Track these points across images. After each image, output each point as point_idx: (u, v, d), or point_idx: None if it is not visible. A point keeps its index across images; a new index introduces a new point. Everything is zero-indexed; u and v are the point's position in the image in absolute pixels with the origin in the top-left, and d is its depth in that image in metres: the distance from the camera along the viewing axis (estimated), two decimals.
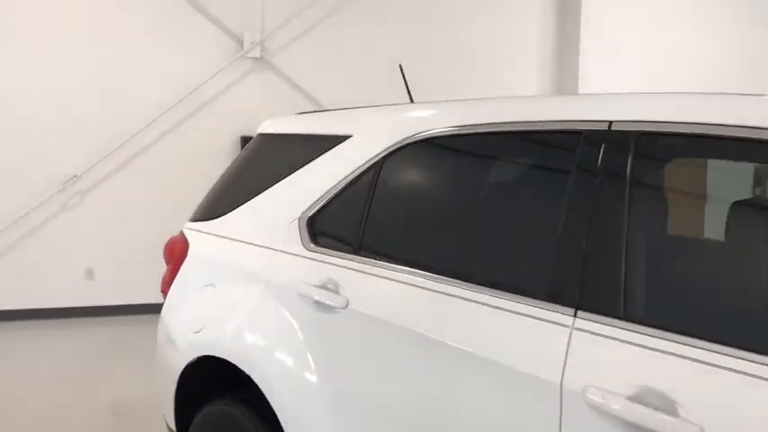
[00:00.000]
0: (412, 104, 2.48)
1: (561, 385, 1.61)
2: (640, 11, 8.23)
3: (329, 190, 2.42)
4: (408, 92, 3.12)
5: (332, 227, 2.39)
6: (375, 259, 2.19)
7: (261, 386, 2.39)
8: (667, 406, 1.44)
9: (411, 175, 2.28)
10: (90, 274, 6.81)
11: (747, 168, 1.80)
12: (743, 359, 1.39)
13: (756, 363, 1.37)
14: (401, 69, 3.16)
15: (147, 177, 6.87)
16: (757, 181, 1.83)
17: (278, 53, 7.30)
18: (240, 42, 7.13)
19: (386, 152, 2.31)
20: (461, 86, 7.80)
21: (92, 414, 4.33)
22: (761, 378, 1.36)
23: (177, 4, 6.88)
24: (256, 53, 7.16)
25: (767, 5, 8.66)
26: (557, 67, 8.30)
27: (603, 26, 8.06)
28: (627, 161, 1.69)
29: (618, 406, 1.50)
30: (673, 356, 1.47)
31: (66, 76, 6.56)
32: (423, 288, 2.01)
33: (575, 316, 1.66)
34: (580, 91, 8.01)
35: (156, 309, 3.15)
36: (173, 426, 2.93)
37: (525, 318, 1.74)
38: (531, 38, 8.24)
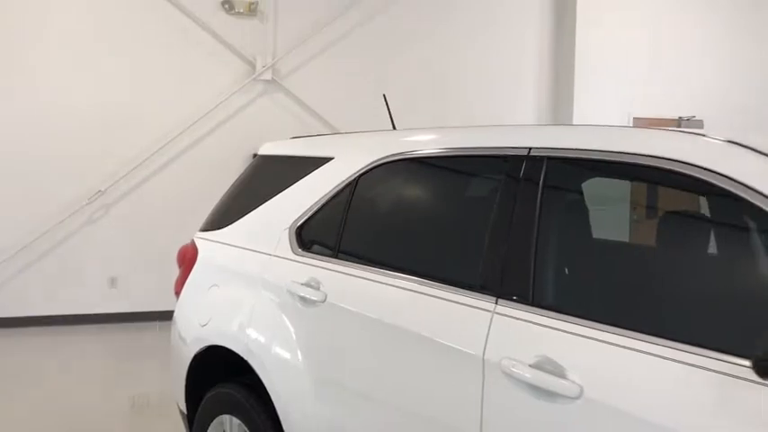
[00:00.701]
0: (382, 132, 2.91)
1: (484, 357, 2.02)
2: (635, 26, 8.58)
3: (314, 203, 2.86)
4: (391, 119, 3.55)
5: (316, 234, 2.83)
6: (349, 261, 2.63)
7: (257, 371, 2.83)
8: (558, 371, 1.85)
9: (379, 192, 2.71)
10: (113, 282, 7.30)
11: (624, 184, 2.21)
12: (616, 334, 1.80)
13: (625, 336, 1.78)
14: (385, 99, 3.59)
15: (166, 192, 7.36)
16: (633, 194, 2.23)
17: (288, 76, 7.78)
18: (253, 66, 7.62)
19: (360, 172, 2.75)
20: (466, 102, 8.22)
21: (113, 407, 4.78)
22: (629, 348, 1.76)
23: (195, 32, 7.39)
24: (268, 76, 7.65)
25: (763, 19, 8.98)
26: (554, 80, 8.69)
27: (598, 40, 8.42)
28: (540, 179, 2.12)
29: (522, 372, 1.91)
30: (564, 333, 1.89)
31: (93, 100, 7.09)
32: (385, 284, 2.44)
33: (496, 303, 2.08)
34: (575, 103, 8.37)
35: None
36: (183, 409, 3.37)
37: (460, 306, 2.17)
38: (529, 55, 8.65)
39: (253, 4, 7.59)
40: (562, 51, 8.57)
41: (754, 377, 1.43)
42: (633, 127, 2.00)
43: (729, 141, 1.82)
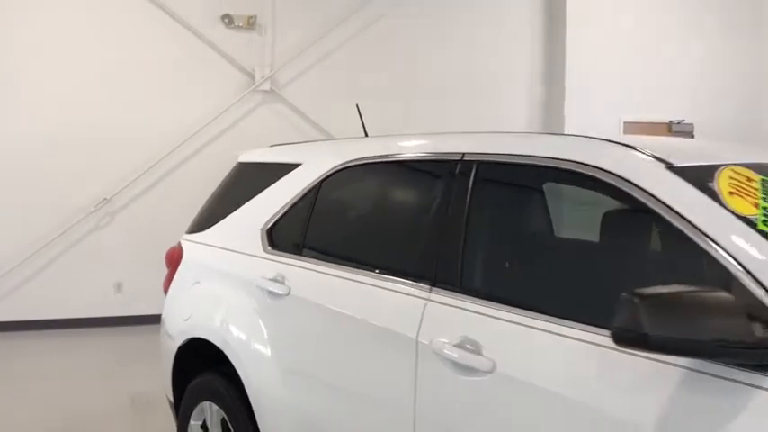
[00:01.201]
0: (344, 140, 3.18)
1: (417, 339, 2.27)
2: (626, 31, 8.78)
3: (283, 206, 3.13)
4: (363, 127, 3.80)
5: (284, 234, 3.09)
6: (312, 257, 2.89)
7: (232, 361, 3.08)
8: (476, 349, 2.09)
9: (338, 194, 2.97)
10: (119, 287, 7.59)
11: (540, 183, 2.44)
12: (523, 315, 2.04)
13: (533, 318, 2.02)
14: (358, 109, 3.85)
15: (169, 199, 7.64)
16: (547, 192, 2.47)
17: (286, 86, 8.07)
18: (252, 77, 7.92)
19: (323, 176, 3.01)
20: (461, 107, 8.45)
21: (115, 403, 5.06)
22: (533, 327, 2.00)
23: (196, 46, 7.70)
24: (267, 86, 7.95)
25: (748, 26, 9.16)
26: (545, 84, 8.91)
27: (588, 46, 8.63)
28: (470, 180, 2.36)
29: (448, 351, 2.16)
30: (483, 316, 2.13)
31: (98, 113, 7.41)
32: (341, 277, 2.69)
33: (430, 291, 2.33)
34: (566, 108, 8.58)
35: None
36: (171, 398, 3.64)
37: (401, 294, 2.41)
38: (521, 60, 8.88)
39: (251, 17, 7.89)
40: (553, 56, 8.80)
41: (615, 345, 1.65)
42: (549, 134, 2.25)
43: (624, 144, 2.06)
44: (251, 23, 7.90)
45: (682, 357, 1.62)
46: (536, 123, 8.90)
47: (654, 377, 1.70)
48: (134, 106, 7.55)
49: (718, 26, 9.10)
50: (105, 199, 7.54)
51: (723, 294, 1.58)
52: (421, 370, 2.25)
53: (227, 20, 7.84)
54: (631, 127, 8.76)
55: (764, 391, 1.54)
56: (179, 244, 3.74)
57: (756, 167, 2.05)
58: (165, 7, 7.59)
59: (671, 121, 8.91)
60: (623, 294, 1.56)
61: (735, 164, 2.04)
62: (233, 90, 7.90)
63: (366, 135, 3.78)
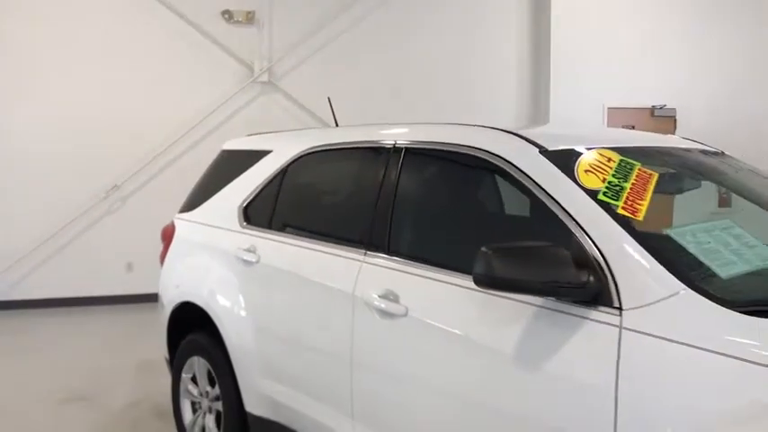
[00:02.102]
0: (309, 129, 3.69)
1: (354, 294, 2.78)
2: (610, 19, 9.17)
3: (256, 187, 3.64)
4: (334, 118, 4.30)
5: (256, 211, 3.61)
6: (278, 230, 3.40)
7: (214, 320, 3.60)
8: (395, 298, 2.60)
9: (301, 176, 3.47)
10: (130, 267, 8.16)
11: (449, 164, 2.90)
12: (431, 271, 2.54)
13: (435, 272, 2.51)
14: (329, 102, 4.34)
15: (174, 184, 8.12)
16: (455, 171, 2.94)
17: (284, 77, 8.57)
18: (251, 69, 8.43)
19: (289, 161, 3.52)
20: (453, 95, 8.92)
21: (121, 368, 5.62)
22: (434, 280, 2.50)
23: (198, 40, 8.21)
24: (265, 78, 8.45)
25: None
26: (532, 73, 9.34)
27: (573, 34, 9.03)
28: (399, 163, 2.86)
29: (375, 301, 2.66)
30: (400, 272, 2.63)
31: (108, 105, 7.96)
32: (300, 246, 3.20)
33: (365, 254, 2.83)
34: (552, 95, 9.00)
35: None
36: (167, 356, 4.17)
37: (344, 258, 2.92)
38: (509, 51, 9.31)
39: (250, 13, 8.39)
40: (539, 46, 9.21)
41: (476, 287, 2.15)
42: (458, 124, 2.74)
43: (511, 132, 2.55)
44: (250, 18, 8.39)
45: (523, 295, 2.11)
46: (525, 109, 9.34)
47: (513, 313, 2.20)
48: (141, 98, 8.09)
49: (699, 15, 9.45)
50: (116, 186, 8.10)
51: (558, 248, 2.06)
52: (356, 318, 2.76)
53: (228, 15, 8.34)
54: (615, 112, 9.18)
55: (590, 321, 2.03)
56: (172, 222, 4.27)
57: (621, 150, 2.53)
58: (170, 5, 8.10)
59: (653, 106, 9.30)
60: (481, 248, 2.06)
61: (603, 147, 2.53)
62: (233, 82, 8.41)
63: (337, 125, 4.28)
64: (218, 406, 3.65)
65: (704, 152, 3.09)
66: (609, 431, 1.91)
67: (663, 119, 9.34)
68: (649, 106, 9.29)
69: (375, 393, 2.71)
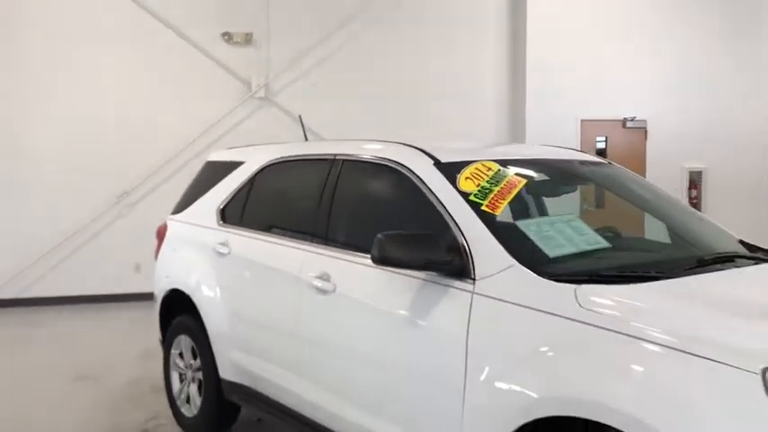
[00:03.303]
0: (272, 144, 4.40)
1: (299, 276, 3.48)
2: (582, 36, 9.83)
3: (231, 192, 4.36)
4: (304, 133, 5.01)
5: (230, 212, 4.33)
6: (247, 228, 4.11)
7: (196, 305, 4.32)
8: (328, 278, 3.30)
9: (266, 182, 4.19)
10: (138, 267, 8.89)
11: (372, 171, 3.59)
12: (353, 254, 3.24)
13: (355, 255, 3.21)
14: (300, 119, 5.06)
15: (179, 192, 8.87)
16: (375, 177, 3.63)
17: (279, 93, 9.32)
18: (249, 86, 9.18)
19: (257, 171, 4.24)
20: (437, 108, 9.59)
21: (126, 354, 6.35)
22: (352, 261, 3.20)
23: (200, 60, 8.98)
24: (262, 94, 9.20)
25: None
26: (510, 87, 10.02)
27: (547, 52, 9.69)
28: (338, 172, 3.57)
29: (314, 281, 3.36)
30: (332, 257, 3.34)
31: (118, 119, 8.74)
32: (263, 240, 3.91)
33: (310, 244, 3.54)
34: (527, 109, 9.66)
35: None
36: (161, 337, 4.90)
37: (295, 248, 3.62)
38: (488, 67, 10.00)
39: (248, 35, 9.15)
40: (516, 63, 9.89)
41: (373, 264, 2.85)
42: (377, 140, 3.48)
43: (415, 147, 3.26)
44: (248, 40, 9.16)
45: (409, 270, 2.81)
46: (503, 122, 10.02)
47: (405, 285, 2.89)
48: (148, 113, 8.86)
49: (669, 30, 10.08)
50: (126, 192, 8.87)
51: (433, 235, 2.76)
52: (301, 297, 3.47)
53: (227, 37, 9.11)
54: (588, 124, 9.83)
55: (454, 289, 2.72)
56: (165, 222, 5.00)
57: (503, 162, 3.23)
58: (175, 28, 8.88)
59: (625, 118, 9.94)
60: (377, 235, 2.76)
61: (486, 159, 3.22)
62: (233, 97, 9.17)
63: (306, 140, 5.00)
64: (200, 376, 4.37)
65: (586, 162, 3.76)
66: (461, 370, 2.59)
67: (634, 130, 9.98)
68: (621, 118, 9.92)
69: (314, 356, 3.42)
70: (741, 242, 3.46)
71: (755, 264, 3.04)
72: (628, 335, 2.18)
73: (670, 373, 2.06)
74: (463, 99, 9.86)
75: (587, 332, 2.28)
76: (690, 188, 10.21)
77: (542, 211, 3.77)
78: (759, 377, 1.90)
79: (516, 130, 9.85)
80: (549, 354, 2.36)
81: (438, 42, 9.76)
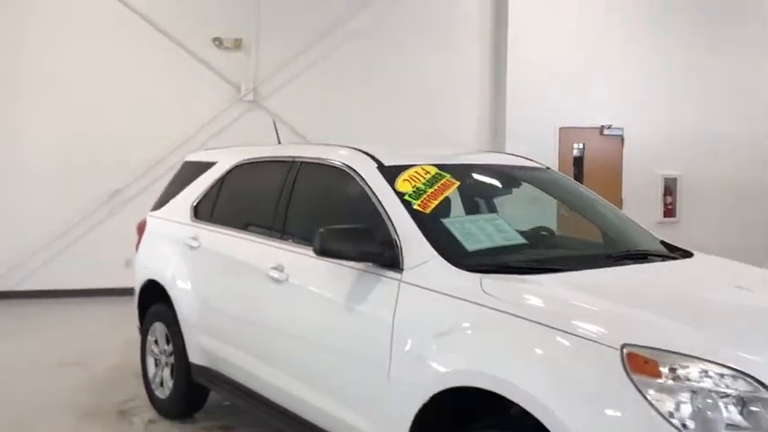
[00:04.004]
0: (242, 147, 4.75)
1: (262, 269, 3.81)
2: (561, 47, 10.18)
3: (204, 190, 4.71)
4: (277, 136, 5.35)
5: (202, 209, 4.67)
6: (216, 223, 4.46)
7: (169, 293, 4.66)
8: (281, 268, 3.64)
9: (234, 182, 4.53)
10: (128, 263, 9.17)
11: (326, 173, 3.92)
12: (302, 246, 3.57)
13: (304, 247, 3.53)
14: (274, 124, 5.40)
15: None
16: (327, 178, 3.97)
17: (267, 97, 9.67)
18: (238, 89, 9.54)
19: (227, 171, 4.59)
20: (422, 114, 9.95)
21: (111, 344, 6.69)
22: (299, 253, 3.54)
23: (192, 64, 9.35)
24: (251, 97, 9.56)
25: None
26: (491, 96, 10.36)
27: (527, 63, 10.05)
28: (296, 173, 3.92)
29: (270, 272, 3.70)
30: (286, 250, 3.68)
31: (111, 120, 9.09)
32: (231, 235, 4.26)
33: (269, 238, 3.88)
34: (507, 116, 10.02)
35: None
36: (138, 324, 5.24)
37: (258, 243, 3.97)
38: (471, 77, 10.35)
39: (238, 40, 9.51)
40: (498, 74, 10.23)
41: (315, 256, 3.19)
42: (328, 145, 3.84)
43: (362, 151, 3.60)
44: (237, 45, 9.52)
45: (347, 261, 3.15)
46: (485, 129, 10.36)
47: (345, 274, 3.23)
48: (140, 114, 9.21)
49: (645, 42, 10.44)
50: (117, 190, 9.22)
51: (368, 230, 3.11)
52: (258, 287, 3.81)
53: (218, 42, 9.47)
54: (566, 131, 10.17)
55: (385, 278, 3.05)
56: (145, 219, 5.35)
57: (440, 166, 3.57)
58: (169, 34, 9.25)
59: (602, 126, 10.28)
60: (319, 230, 3.10)
61: (427, 164, 3.56)
62: (223, 100, 9.53)
63: (279, 143, 5.34)
64: (172, 360, 4.71)
65: (525, 167, 4.11)
66: (388, 348, 2.92)
67: (611, 137, 10.32)
68: (598, 126, 10.26)
69: (271, 339, 3.76)
70: (662, 242, 3.77)
71: (662, 260, 3.37)
72: (518, 316, 2.52)
73: (549, 349, 2.40)
74: (446, 107, 10.21)
75: (487, 314, 2.62)
76: (665, 194, 10.55)
77: (492, 211, 4.12)
78: (618, 352, 2.24)
79: (497, 138, 10.19)
80: (458, 332, 2.70)
81: (422, 53, 10.10)
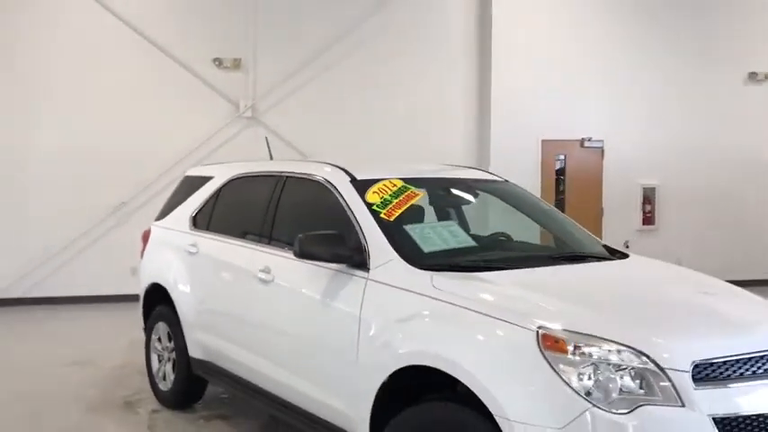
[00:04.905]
0: (236, 162, 5.27)
1: (251, 271, 4.31)
2: (543, 64, 10.70)
3: (202, 202, 5.23)
4: (269, 152, 5.87)
5: (200, 219, 5.19)
6: (212, 231, 4.97)
7: (171, 295, 5.17)
8: (268, 270, 4.14)
9: (229, 194, 5.05)
10: (133, 271, 9.66)
11: (305, 186, 4.44)
12: (285, 250, 4.07)
13: (286, 250, 4.04)
14: (267, 141, 5.92)
15: None
16: (307, 190, 4.47)
17: (264, 114, 10.21)
18: (237, 106, 10.08)
19: (222, 184, 5.11)
20: (411, 129, 10.48)
21: (117, 345, 7.20)
22: (282, 256, 4.05)
23: (193, 83, 9.90)
24: (249, 114, 10.10)
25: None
26: (477, 111, 10.88)
27: (511, 77, 10.57)
28: (283, 185, 4.43)
29: (259, 273, 4.21)
30: (272, 254, 4.19)
31: (117, 136, 9.65)
32: (225, 242, 4.77)
33: (258, 244, 4.39)
34: (492, 130, 10.54)
35: None
36: (143, 324, 5.75)
37: (248, 248, 4.47)
38: (457, 93, 10.88)
39: (237, 60, 10.07)
40: (482, 88, 10.75)
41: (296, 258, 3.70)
42: (307, 161, 4.36)
43: (337, 166, 4.11)
44: (236, 64, 10.07)
45: (323, 263, 3.66)
46: (471, 143, 10.88)
47: (321, 274, 3.74)
48: (144, 130, 9.77)
49: (624, 58, 10.95)
50: (123, 202, 9.75)
51: (340, 235, 3.62)
52: (249, 287, 4.31)
53: (218, 62, 10.02)
54: (548, 144, 10.68)
55: (355, 277, 3.55)
56: (149, 228, 5.87)
57: (407, 179, 4.08)
58: (171, 54, 9.81)
59: (582, 138, 10.80)
60: (299, 235, 3.61)
61: (395, 177, 4.07)
62: (222, 117, 10.08)
63: (271, 158, 5.86)
64: (174, 356, 5.22)
65: (488, 180, 4.62)
66: (356, 335, 3.43)
67: (592, 149, 10.83)
68: (579, 138, 10.77)
69: (259, 333, 4.27)
70: (605, 246, 4.26)
71: (598, 261, 3.88)
72: (460, 306, 3.03)
73: (484, 333, 2.91)
74: (435, 121, 10.73)
75: (435, 305, 3.13)
76: (644, 203, 11.04)
77: (461, 219, 4.64)
78: (534, 333, 2.74)
79: (482, 149, 10.71)
80: (412, 320, 3.20)
81: (412, 69, 10.64)
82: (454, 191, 4.54)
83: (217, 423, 5.08)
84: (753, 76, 11.38)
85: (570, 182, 10.77)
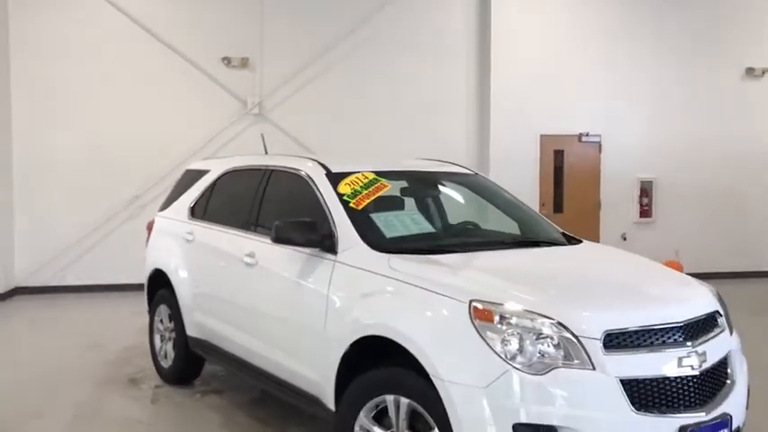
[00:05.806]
0: (230, 156, 5.71)
1: (239, 257, 4.74)
2: (541, 60, 11.01)
3: (199, 194, 5.67)
4: (264, 148, 6.28)
5: (197, 209, 5.62)
6: (207, 221, 5.40)
7: (171, 280, 5.61)
8: (253, 255, 4.56)
9: (223, 186, 5.47)
10: None
11: (287, 178, 4.84)
12: (262, 236, 4.49)
13: (262, 236, 4.46)
14: (262, 138, 6.34)
15: None
16: (290, 182, 4.87)
17: (272, 110, 10.64)
18: (245, 103, 10.52)
19: (218, 177, 5.54)
20: (415, 126, 10.86)
21: (128, 329, 7.68)
22: (261, 242, 4.45)
23: (203, 81, 10.35)
24: (256, 111, 10.53)
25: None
26: (477, 106, 11.22)
27: (510, 73, 10.90)
28: (269, 178, 4.85)
29: (245, 258, 4.63)
30: (257, 241, 4.60)
31: (130, 133, 10.14)
32: (218, 230, 5.19)
33: (246, 232, 4.81)
34: (491, 124, 10.88)
35: None
36: (147, 308, 6.20)
37: (239, 236, 4.89)
38: (459, 90, 11.22)
39: (245, 59, 10.50)
40: (482, 85, 11.08)
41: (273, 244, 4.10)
42: (290, 155, 4.76)
43: (315, 160, 4.52)
44: (245, 63, 10.51)
45: (298, 247, 4.06)
46: (471, 137, 11.22)
47: (297, 257, 4.14)
48: (157, 126, 10.25)
49: (621, 54, 11.22)
50: (137, 196, 10.24)
51: (313, 222, 4.01)
52: (236, 271, 4.74)
53: (227, 61, 10.46)
54: (547, 138, 10.99)
55: (325, 260, 3.96)
56: (153, 218, 6.32)
57: (378, 172, 4.47)
58: (182, 53, 10.27)
59: (580, 133, 11.09)
60: (275, 222, 4.02)
61: (366, 170, 4.46)
62: (230, 114, 10.52)
63: (266, 153, 6.28)
64: (174, 335, 5.66)
65: (458, 173, 5.00)
66: (324, 312, 3.83)
67: (589, 144, 11.12)
68: (577, 133, 11.06)
69: (245, 312, 4.69)
70: (563, 233, 4.62)
71: (550, 246, 4.25)
72: (409, 283, 3.42)
73: (428, 306, 3.30)
74: (437, 116, 11.07)
75: (391, 283, 3.52)
76: (641, 196, 11.32)
77: (438, 207, 5.03)
78: (467, 305, 3.13)
79: (482, 144, 11.05)
80: (370, 297, 3.60)
81: (414, 67, 10.98)
82: (425, 183, 4.92)
83: (212, 397, 5.52)
84: (750, 71, 11.57)
85: (568, 175, 11.08)
